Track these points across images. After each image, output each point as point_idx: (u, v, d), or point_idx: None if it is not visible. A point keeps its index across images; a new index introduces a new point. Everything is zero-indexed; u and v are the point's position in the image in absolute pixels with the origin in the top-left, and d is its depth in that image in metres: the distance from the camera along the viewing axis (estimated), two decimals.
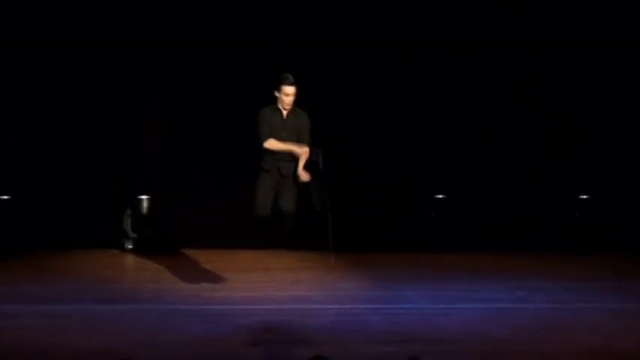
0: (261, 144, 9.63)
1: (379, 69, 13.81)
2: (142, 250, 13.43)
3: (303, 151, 9.62)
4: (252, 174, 9.82)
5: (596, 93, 14.02)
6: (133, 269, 12.55)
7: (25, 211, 13.40)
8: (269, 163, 9.66)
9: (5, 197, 13.51)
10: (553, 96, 14.05)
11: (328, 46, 13.68)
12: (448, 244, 13.66)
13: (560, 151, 14.07)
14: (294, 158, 9.68)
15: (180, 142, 13.69)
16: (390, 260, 13.05)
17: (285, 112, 9.69)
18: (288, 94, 9.66)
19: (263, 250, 12.63)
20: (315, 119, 13.53)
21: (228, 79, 13.58)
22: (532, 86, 13.98)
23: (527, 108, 14.01)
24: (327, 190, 10.14)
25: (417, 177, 13.96)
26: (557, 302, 10.34)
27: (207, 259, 12.25)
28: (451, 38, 13.84)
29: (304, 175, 9.64)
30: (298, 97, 9.78)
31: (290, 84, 9.70)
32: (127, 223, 13.60)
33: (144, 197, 13.59)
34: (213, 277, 11.19)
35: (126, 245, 13.54)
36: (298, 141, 9.71)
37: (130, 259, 13.10)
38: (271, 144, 9.62)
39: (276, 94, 9.79)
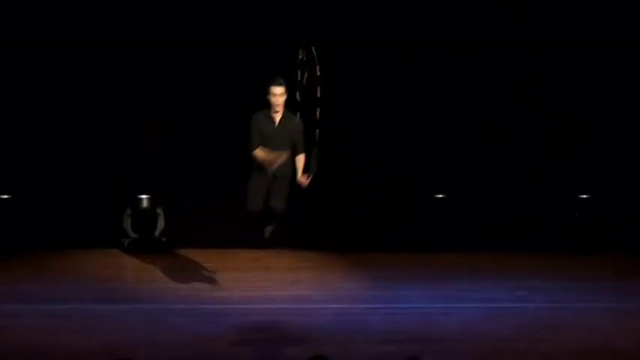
0: (250, 150, 9.65)
1: (379, 69, 13.80)
2: (141, 250, 13.42)
3: (281, 160, 9.52)
4: (251, 174, 9.81)
5: (596, 93, 14.01)
6: (133, 269, 12.55)
7: (25, 210, 13.39)
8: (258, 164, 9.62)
9: (5, 197, 13.50)
10: (553, 96, 14.03)
11: (328, 46, 13.63)
12: (448, 244, 13.64)
13: (560, 151, 14.06)
14: (287, 163, 9.62)
15: (180, 142, 13.67)
16: (390, 260, 13.05)
17: (277, 118, 9.61)
18: (275, 94, 9.63)
19: (263, 249, 12.62)
20: (315, 119, 13.57)
21: (228, 79, 13.57)
22: (532, 86, 13.97)
23: (527, 108, 14.00)
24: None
25: (417, 177, 13.95)
26: (557, 302, 10.34)
27: (207, 258, 12.25)
28: (451, 38, 13.83)
29: (304, 182, 9.60)
30: (290, 98, 9.73)
31: (277, 84, 9.67)
32: (127, 223, 13.59)
33: (144, 197, 13.58)
34: (213, 277, 11.19)
35: (126, 245, 13.53)
36: (292, 147, 9.64)
37: (130, 259, 13.09)
38: (257, 154, 9.61)
39: (268, 98, 9.78)
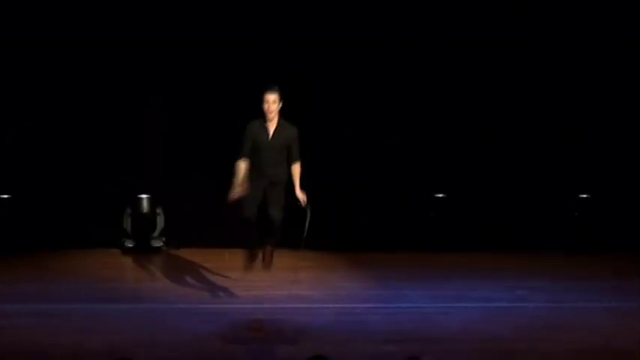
0: (238, 157, 9.52)
1: (379, 69, 13.81)
2: (141, 249, 13.43)
3: (237, 194, 9.42)
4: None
5: (596, 93, 14.01)
6: (133, 269, 12.55)
7: (25, 210, 13.40)
8: (256, 170, 9.52)
9: (5, 196, 13.51)
10: (553, 96, 14.04)
11: (328, 46, 13.67)
12: (448, 243, 13.65)
13: (560, 151, 14.06)
14: (282, 170, 9.52)
15: (180, 142, 13.68)
16: (390, 260, 13.05)
17: (271, 128, 9.49)
18: (268, 101, 9.51)
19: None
20: (316, 119, 13.59)
21: (228, 80, 13.57)
22: (532, 86, 13.97)
23: (527, 108, 14.00)
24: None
25: (417, 177, 13.95)
26: (557, 301, 10.34)
27: (207, 258, 12.25)
28: (451, 38, 13.83)
29: (302, 197, 9.54)
30: (286, 104, 9.60)
31: (270, 91, 9.51)
32: (127, 223, 13.60)
33: (144, 196, 13.58)
34: (213, 277, 11.19)
35: (126, 245, 13.53)
36: (288, 156, 9.55)
37: (130, 259, 13.09)
38: (239, 166, 9.50)
39: (262, 106, 9.63)
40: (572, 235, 13.84)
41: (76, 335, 8.58)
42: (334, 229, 13.52)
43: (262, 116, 9.56)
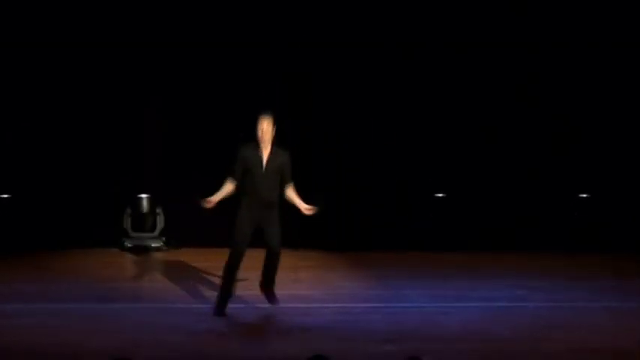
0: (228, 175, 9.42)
1: (379, 69, 13.81)
2: (141, 249, 13.44)
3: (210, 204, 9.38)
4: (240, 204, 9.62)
5: (596, 93, 14.01)
6: (133, 269, 12.55)
7: (25, 210, 13.40)
8: (250, 195, 9.39)
9: (5, 196, 13.51)
10: (553, 96, 14.04)
11: (328, 47, 13.67)
12: (448, 243, 13.66)
13: (560, 151, 14.06)
14: (276, 193, 9.41)
15: (180, 142, 13.68)
16: (390, 259, 13.06)
17: (265, 155, 9.38)
18: (261, 126, 9.40)
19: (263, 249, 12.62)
20: (315, 119, 13.60)
21: (228, 80, 13.58)
22: (532, 86, 13.98)
23: (527, 108, 14.00)
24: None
25: (417, 177, 13.96)
26: (557, 301, 10.34)
27: (207, 258, 12.25)
28: (451, 38, 13.84)
29: (310, 209, 9.47)
30: (279, 132, 9.47)
31: (264, 117, 9.40)
32: (127, 223, 13.60)
33: (144, 196, 13.58)
34: (213, 277, 11.18)
35: (126, 244, 13.54)
36: (281, 181, 9.46)
37: (130, 259, 13.10)
38: (226, 185, 9.41)
39: (255, 131, 9.49)
40: (572, 235, 13.84)
41: (76, 335, 8.58)
42: (334, 229, 13.53)
43: (255, 141, 9.40)
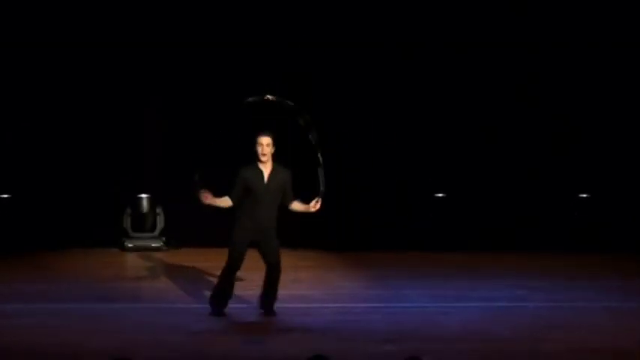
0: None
1: (379, 69, 13.81)
2: (141, 249, 13.44)
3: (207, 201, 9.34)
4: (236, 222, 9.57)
5: (596, 93, 14.02)
6: (133, 268, 12.55)
7: (25, 210, 13.40)
8: (249, 215, 9.33)
9: (5, 196, 13.51)
10: (553, 96, 14.04)
11: (328, 47, 13.68)
12: (448, 243, 13.66)
13: (560, 151, 14.07)
14: (275, 214, 9.36)
15: (180, 142, 13.68)
16: (390, 259, 13.05)
17: (266, 173, 9.33)
18: (261, 144, 9.36)
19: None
20: (315, 119, 13.57)
21: (228, 80, 13.57)
22: (532, 86, 13.98)
23: (527, 108, 14.01)
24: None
25: (417, 177, 13.96)
26: (557, 301, 10.34)
27: (207, 258, 12.24)
28: (451, 38, 13.84)
29: (316, 207, 9.42)
30: (279, 146, 9.43)
31: (263, 134, 9.36)
32: (127, 223, 13.60)
33: (143, 196, 13.59)
34: (213, 277, 11.17)
35: (126, 244, 13.54)
36: (283, 199, 9.41)
37: (130, 259, 13.10)
38: (226, 200, 9.36)
39: (255, 149, 9.44)
40: (572, 235, 13.84)
41: (76, 335, 8.58)
42: (334, 229, 13.53)
43: (255, 159, 9.36)
